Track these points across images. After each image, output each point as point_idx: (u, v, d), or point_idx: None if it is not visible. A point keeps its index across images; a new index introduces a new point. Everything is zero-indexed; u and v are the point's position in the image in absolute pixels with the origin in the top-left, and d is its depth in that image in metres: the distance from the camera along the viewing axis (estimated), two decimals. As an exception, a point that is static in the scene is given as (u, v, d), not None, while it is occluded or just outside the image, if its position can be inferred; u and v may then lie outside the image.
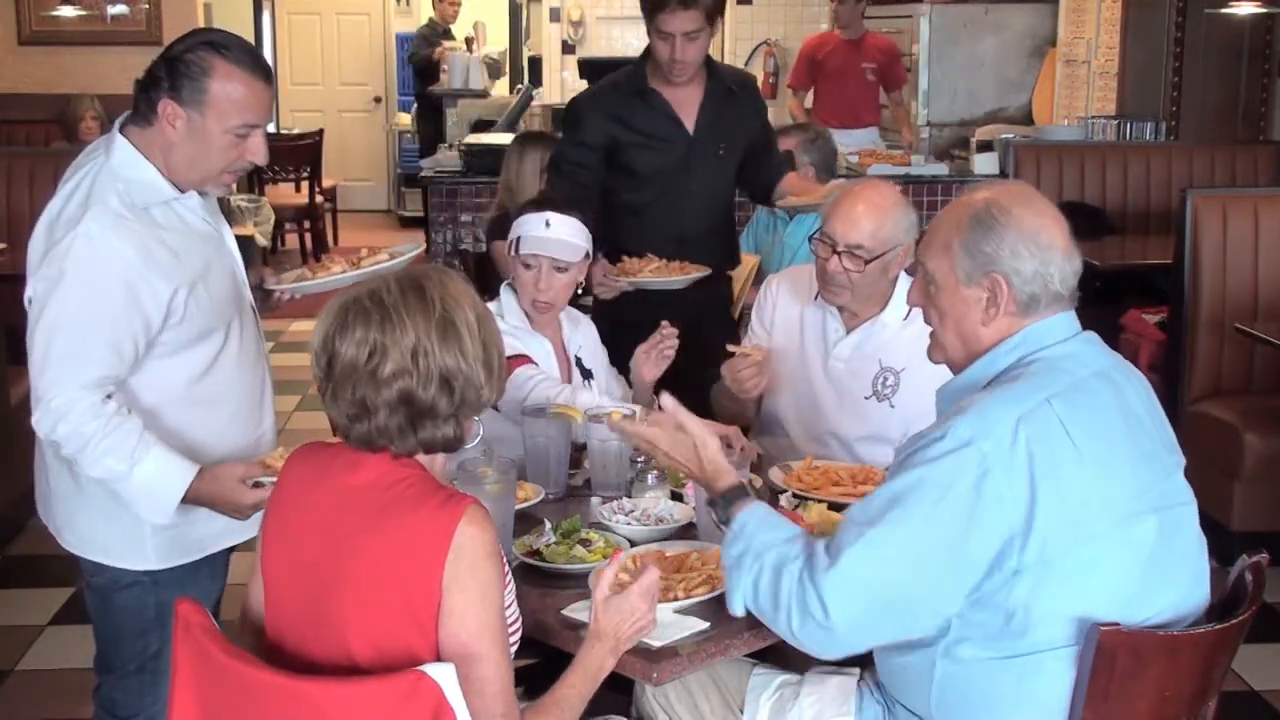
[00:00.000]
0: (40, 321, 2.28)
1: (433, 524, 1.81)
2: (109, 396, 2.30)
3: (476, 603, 1.82)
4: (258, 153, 2.41)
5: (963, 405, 1.91)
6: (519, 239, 2.92)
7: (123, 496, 2.35)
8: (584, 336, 3.12)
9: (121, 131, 2.40)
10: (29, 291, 2.32)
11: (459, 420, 1.91)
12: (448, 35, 10.75)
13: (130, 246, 2.30)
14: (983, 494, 1.82)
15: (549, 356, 2.97)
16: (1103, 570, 1.86)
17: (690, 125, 3.60)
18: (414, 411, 1.86)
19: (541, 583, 2.25)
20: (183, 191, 2.42)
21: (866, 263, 2.77)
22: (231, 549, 2.61)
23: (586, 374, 3.04)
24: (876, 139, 7.32)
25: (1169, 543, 1.93)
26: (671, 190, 3.60)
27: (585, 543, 2.35)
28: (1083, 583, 1.85)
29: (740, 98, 3.68)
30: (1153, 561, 1.90)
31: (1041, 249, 1.93)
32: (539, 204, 2.98)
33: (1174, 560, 1.94)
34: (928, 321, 2.08)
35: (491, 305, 3.05)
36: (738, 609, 1.98)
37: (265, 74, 2.38)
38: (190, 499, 2.35)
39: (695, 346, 3.11)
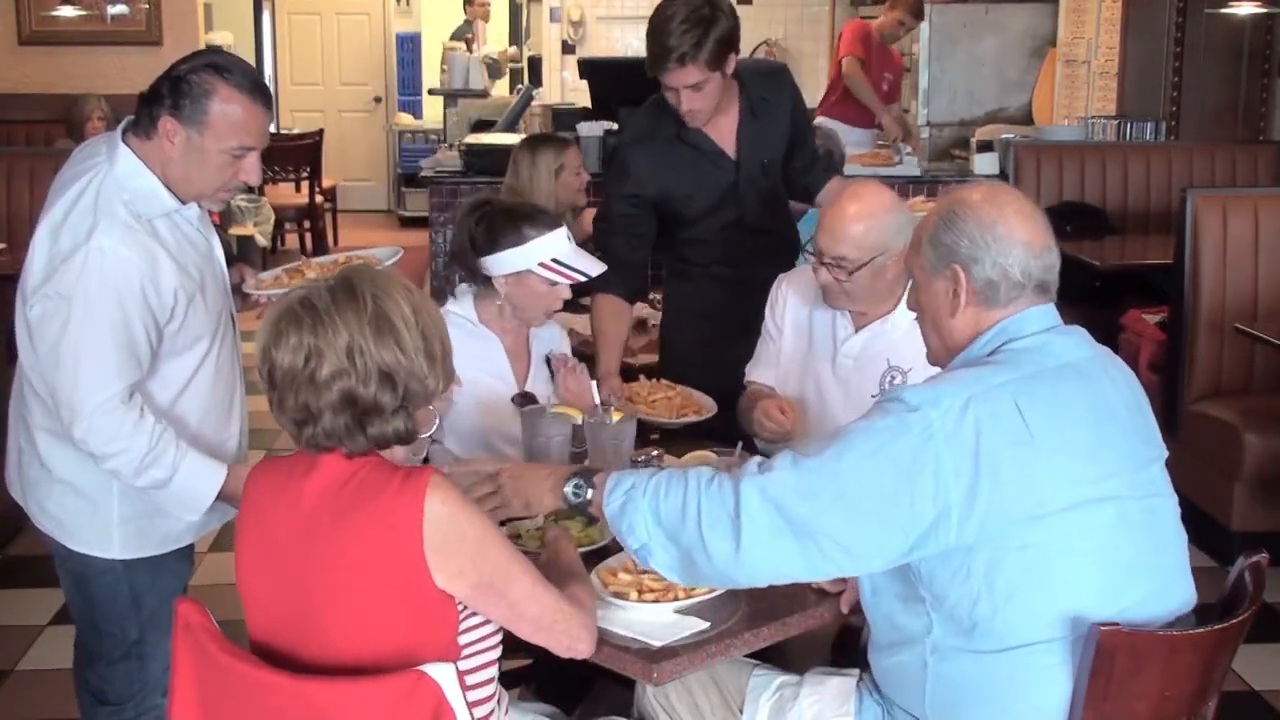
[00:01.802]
0: (63, 340, 2.31)
1: (397, 506, 1.82)
2: (142, 409, 2.36)
3: (477, 551, 1.84)
4: (252, 173, 2.47)
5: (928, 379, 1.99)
6: (554, 260, 2.86)
7: (157, 499, 2.44)
8: (553, 336, 3.13)
9: (123, 140, 2.43)
10: (36, 308, 2.33)
11: (408, 412, 1.91)
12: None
13: (139, 256, 2.35)
14: (921, 460, 1.85)
15: (500, 354, 2.96)
16: (1061, 556, 1.87)
17: (732, 150, 3.49)
18: (359, 411, 1.86)
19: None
20: (183, 203, 2.46)
21: (851, 272, 2.76)
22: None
23: (554, 373, 3.06)
24: (871, 141, 7.34)
25: (1143, 532, 1.93)
26: (726, 216, 3.50)
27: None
28: (1043, 569, 1.86)
29: (775, 102, 3.55)
30: (1119, 549, 1.90)
31: (998, 239, 1.99)
32: (542, 222, 2.91)
33: (1147, 550, 1.94)
34: (919, 323, 2.14)
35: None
36: (649, 554, 1.97)
37: (265, 99, 2.44)
38: (219, 497, 2.45)
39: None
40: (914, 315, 2.84)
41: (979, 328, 2.02)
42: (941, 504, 1.84)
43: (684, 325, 3.61)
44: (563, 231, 2.90)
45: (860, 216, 2.77)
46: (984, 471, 1.84)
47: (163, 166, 2.41)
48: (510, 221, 2.90)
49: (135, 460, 2.35)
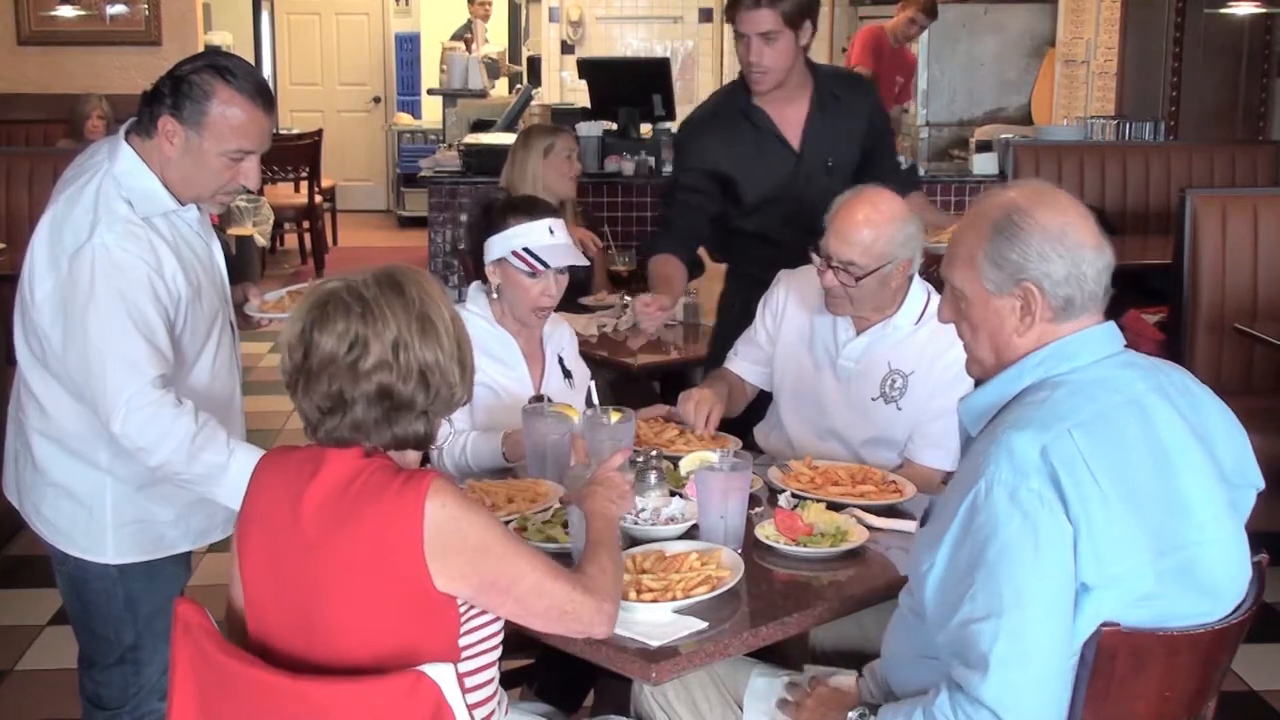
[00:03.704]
0: (87, 344, 2.30)
1: (398, 509, 1.81)
2: (179, 398, 2.34)
3: (478, 552, 1.83)
4: (250, 177, 2.46)
5: (986, 447, 1.82)
6: (525, 249, 2.86)
7: (217, 493, 2.37)
8: (563, 337, 3.11)
9: (126, 139, 2.44)
10: (57, 323, 2.33)
11: (430, 417, 1.91)
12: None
13: (143, 250, 2.35)
14: (1059, 522, 1.75)
15: (516, 354, 2.96)
16: (1125, 606, 1.80)
17: (796, 142, 3.46)
18: (392, 405, 1.86)
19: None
20: (182, 204, 2.46)
21: (859, 279, 2.75)
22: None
23: (567, 373, 3.05)
24: None
25: (1201, 578, 1.86)
26: (783, 210, 3.47)
27: (567, 525, 2.35)
28: (1109, 612, 1.80)
29: (848, 103, 3.51)
30: (1175, 603, 1.84)
31: (1070, 248, 1.85)
32: (528, 211, 2.92)
33: (1206, 592, 1.87)
34: (961, 336, 1.99)
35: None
36: None
37: (267, 102, 2.43)
38: None
39: None
40: (914, 320, 2.85)
41: (1040, 343, 1.88)
42: (1072, 532, 1.75)
43: (733, 322, 3.50)
44: (545, 223, 2.89)
45: (871, 222, 2.75)
46: (1075, 518, 1.75)
47: (162, 167, 2.41)
48: (503, 209, 2.94)
49: (184, 445, 2.31)
